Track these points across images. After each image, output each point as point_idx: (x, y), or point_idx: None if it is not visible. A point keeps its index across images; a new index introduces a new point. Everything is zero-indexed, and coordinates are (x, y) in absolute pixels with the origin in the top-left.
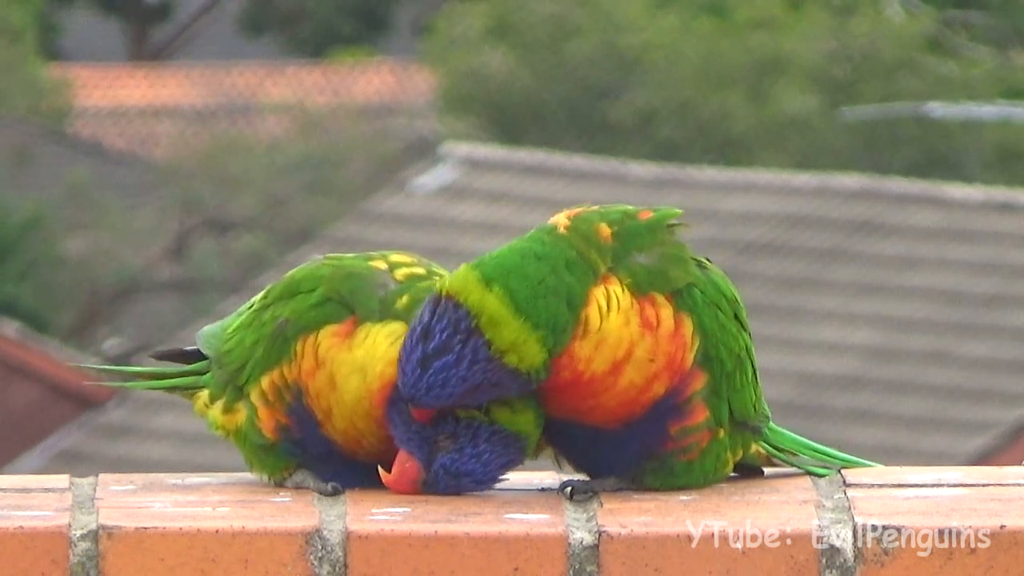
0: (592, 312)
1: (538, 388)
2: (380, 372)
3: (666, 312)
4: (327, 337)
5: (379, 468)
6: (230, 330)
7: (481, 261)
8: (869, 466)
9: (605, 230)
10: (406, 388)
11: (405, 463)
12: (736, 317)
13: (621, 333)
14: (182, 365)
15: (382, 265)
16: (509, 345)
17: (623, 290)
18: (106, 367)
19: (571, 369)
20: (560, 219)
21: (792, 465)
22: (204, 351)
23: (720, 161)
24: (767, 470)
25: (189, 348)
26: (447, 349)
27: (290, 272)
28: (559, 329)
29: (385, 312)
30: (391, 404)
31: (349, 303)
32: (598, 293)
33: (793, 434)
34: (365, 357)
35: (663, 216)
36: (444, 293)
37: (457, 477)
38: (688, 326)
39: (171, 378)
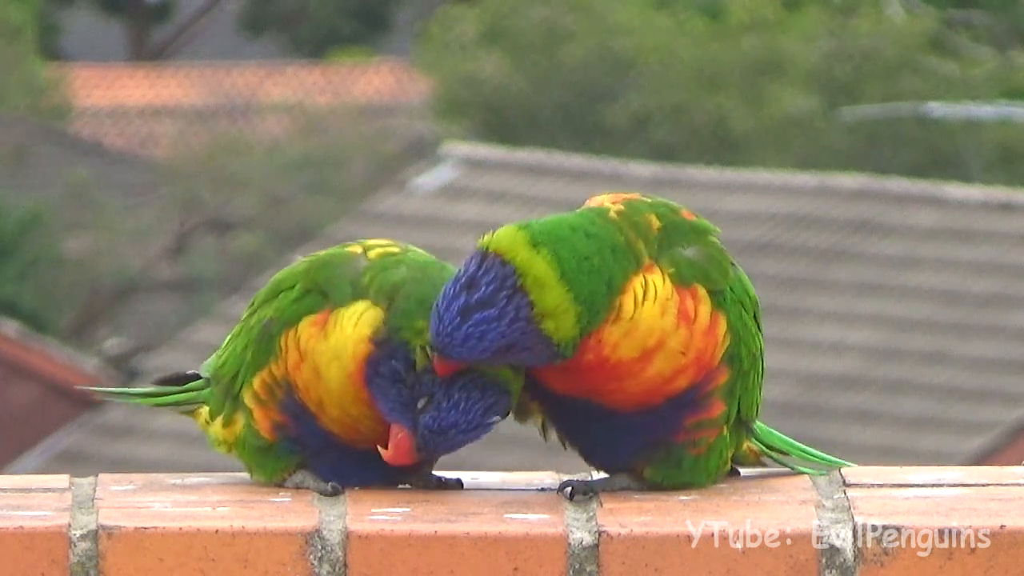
0: (627, 299)
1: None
2: (352, 352)
3: (704, 308)
4: (306, 328)
5: (379, 448)
6: (225, 343)
7: (529, 224)
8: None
9: (655, 221)
10: (440, 337)
11: (397, 435)
12: (755, 317)
13: (654, 323)
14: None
15: (357, 250)
16: (550, 310)
17: (664, 280)
18: (108, 389)
19: (596, 352)
20: (608, 203)
21: (782, 465)
22: (204, 375)
23: (716, 163)
24: (765, 470)
25: (190, 372)
26: (491, 303)
27: (273, 276)
28: (595, 309)
29: (356, 293)
30: (370, 380)
31: (326, 292)
32: (637, 282)
33: (780, 434)
34: (337, 342)
35: (707, 225)
36: (491, 249)
37: (443, 432)
38: (723, 324)
39: (171, 395)
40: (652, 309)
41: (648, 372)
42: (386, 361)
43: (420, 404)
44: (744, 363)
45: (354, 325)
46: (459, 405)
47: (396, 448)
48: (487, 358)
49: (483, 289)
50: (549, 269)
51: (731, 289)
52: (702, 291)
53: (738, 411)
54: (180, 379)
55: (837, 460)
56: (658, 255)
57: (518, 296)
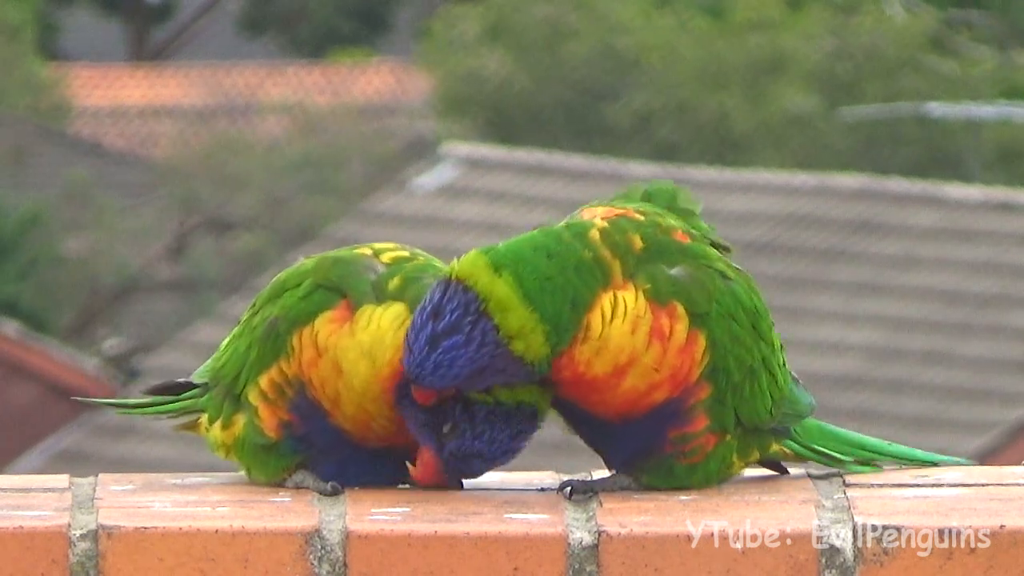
0: (595, 317)
1: (544, 378)
2: (390, 359)
3: (681, 326)
4: (324, 324)
5: (407, 464)
6: (223, 346)
7: (492, 248)
8: (930, 461)
9: (637, 241)
10: (412, 367)
11: (425, 454)
12: (754, 327)
13: (623, 340)
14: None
15: (367, 251)
16: (516, 331)
17: (637, 297)
18: (104, 400)
19: (571, 370)
20: (596, 219)
21: (828, 466)
22: (198, 381)
23: (718, 162)
24: (767, 470)
25: (182, 380)
26: (457, 329)
27: (275, 277)
28: (561, 327)
29: (380, 295)
30: (400, 398)
31: (339, 287)
32: (606, 299)
33: (837, 429)
34: (372, 342)
35: (703, 252)
36: (453, 276)
37: (466, 460)
38: (700, 343)
39: (166, 405)
40: (622, 327)
41: (623, 386)
42: None
43: (445, 429)
44: (734, 376)
45: (397, 328)
46: (483, 435)
47: (424, 468)
48: (461, 384)
49: (448, 317)
50: (511, 291)
51: (718, 303)
52: (680, 309)
53: (738, 419)
54: (173, 388)
55: (905, 451)
56: (635, 271)
57: (482, 321)
